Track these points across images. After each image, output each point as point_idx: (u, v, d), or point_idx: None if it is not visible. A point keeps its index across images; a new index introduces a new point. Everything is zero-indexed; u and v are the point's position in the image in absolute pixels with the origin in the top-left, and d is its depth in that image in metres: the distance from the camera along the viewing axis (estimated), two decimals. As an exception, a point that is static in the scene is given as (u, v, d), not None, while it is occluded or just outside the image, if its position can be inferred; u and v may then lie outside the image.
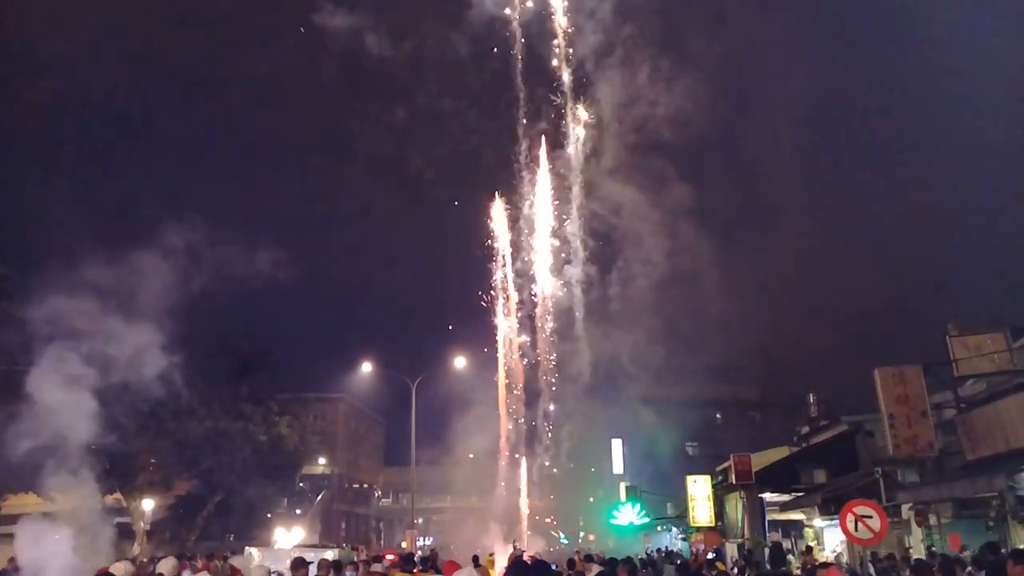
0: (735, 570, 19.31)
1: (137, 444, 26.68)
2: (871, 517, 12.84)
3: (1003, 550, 12.19)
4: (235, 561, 8.65)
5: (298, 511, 56.29)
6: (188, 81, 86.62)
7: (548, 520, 66.52)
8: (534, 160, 50.57)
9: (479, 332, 54.37)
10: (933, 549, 15.60)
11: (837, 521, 16.00)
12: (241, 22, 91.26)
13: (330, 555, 15.21)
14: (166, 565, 7.36)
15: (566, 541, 60.49)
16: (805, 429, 32.60)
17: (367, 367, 44.02)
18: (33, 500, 25.65)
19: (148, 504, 32.59)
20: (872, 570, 16.22)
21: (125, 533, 22.86)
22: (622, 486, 48.69)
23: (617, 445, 53.81)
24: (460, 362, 43.41)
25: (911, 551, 17.03)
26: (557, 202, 51.17)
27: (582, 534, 63.89)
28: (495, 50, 47.19)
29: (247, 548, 21.72)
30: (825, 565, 9.84)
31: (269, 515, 44.86)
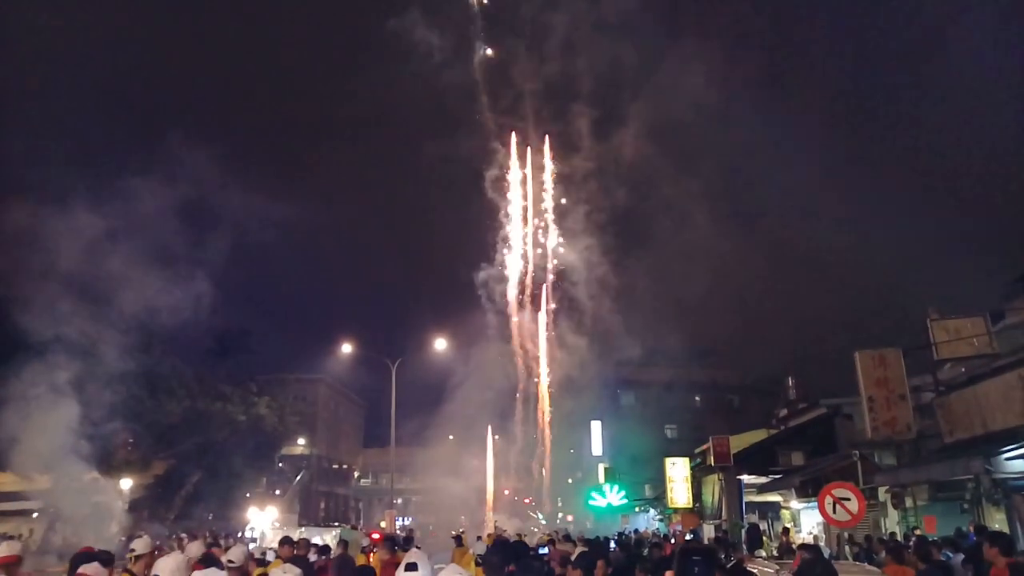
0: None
1: (114, 423, 26.43)
2: (849, 499, 13.00)
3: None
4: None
5: (277, 491, 56.18)
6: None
7: (527, 500, 66.87)
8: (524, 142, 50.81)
9: (461, 316, 54.60)
10: (918, 531, 15.76)
11: (814, 503, 16.16)
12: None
13: (332, 536, 15.25)
14: (141, 544, 7.22)
15: (544, 522, 60.85)
16: (783, 412, 32.93)
17: (347, 348, 43.82)
18: (11, 479, 25.36)
19: (126, 483, 32.37)
20: (848, 552, 16.44)
21: (103, 512, 22.70)
22: (601, 467, 48.95)
23: (596, 427, 54.04)
24: (440, 344, 43.39)
25: (888, 533, 17.26)
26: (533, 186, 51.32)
27: (560, 514, 64.32)
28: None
29: (262, 528, 21.76)
30: (806, 547, 9.88)
31: (248, 495, 44.74)
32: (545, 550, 12.61)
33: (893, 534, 16.95)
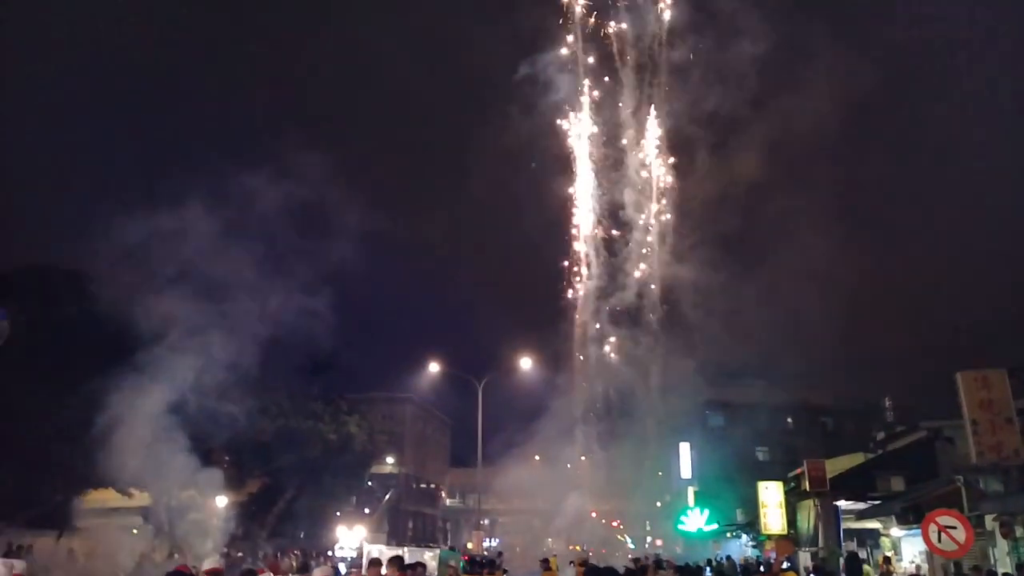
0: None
1: (213, 441, 27.42)
2: (955, 528, 12.33)
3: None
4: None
5: (367, 510, 57.10)
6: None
7: (615, 523, 66.00)
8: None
9: (549, 334, 54.38)
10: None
11: (916, 530, 15.39)
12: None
13: (431, 555, 15.56)
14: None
15: (633, 545, 59.92)
16: (881, 435, 31.66)
17: (434, 367, 44.26)
18: (113, 495, 26.62)
19: (221, 501, 33.51)
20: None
21: (200, 529, 23.54)
22: (690, 490, 47.89)
23: (685, 449, 53.00)
24: (527, 363, 43.31)
25: (997, 564, 16.27)
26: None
27: (649, 539, 63.17)
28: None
29: (366, 544, 22.26)
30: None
31: (338, 513, 45.58)
32: None
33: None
